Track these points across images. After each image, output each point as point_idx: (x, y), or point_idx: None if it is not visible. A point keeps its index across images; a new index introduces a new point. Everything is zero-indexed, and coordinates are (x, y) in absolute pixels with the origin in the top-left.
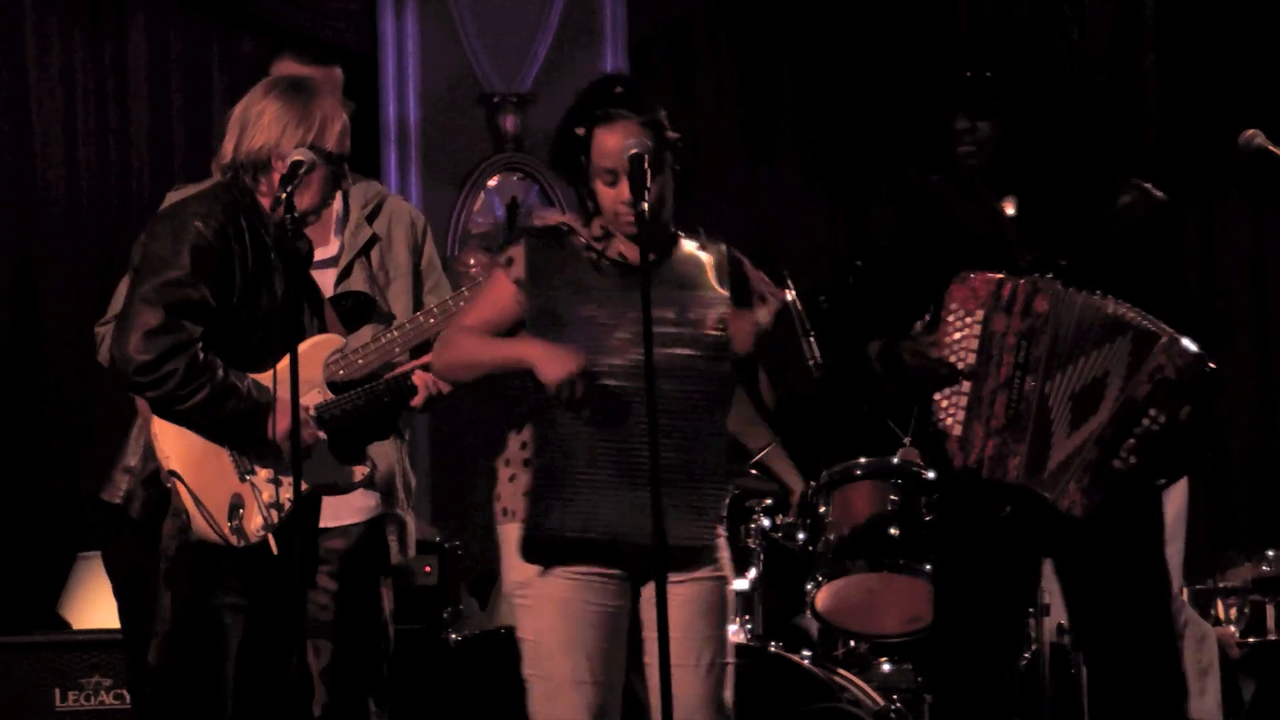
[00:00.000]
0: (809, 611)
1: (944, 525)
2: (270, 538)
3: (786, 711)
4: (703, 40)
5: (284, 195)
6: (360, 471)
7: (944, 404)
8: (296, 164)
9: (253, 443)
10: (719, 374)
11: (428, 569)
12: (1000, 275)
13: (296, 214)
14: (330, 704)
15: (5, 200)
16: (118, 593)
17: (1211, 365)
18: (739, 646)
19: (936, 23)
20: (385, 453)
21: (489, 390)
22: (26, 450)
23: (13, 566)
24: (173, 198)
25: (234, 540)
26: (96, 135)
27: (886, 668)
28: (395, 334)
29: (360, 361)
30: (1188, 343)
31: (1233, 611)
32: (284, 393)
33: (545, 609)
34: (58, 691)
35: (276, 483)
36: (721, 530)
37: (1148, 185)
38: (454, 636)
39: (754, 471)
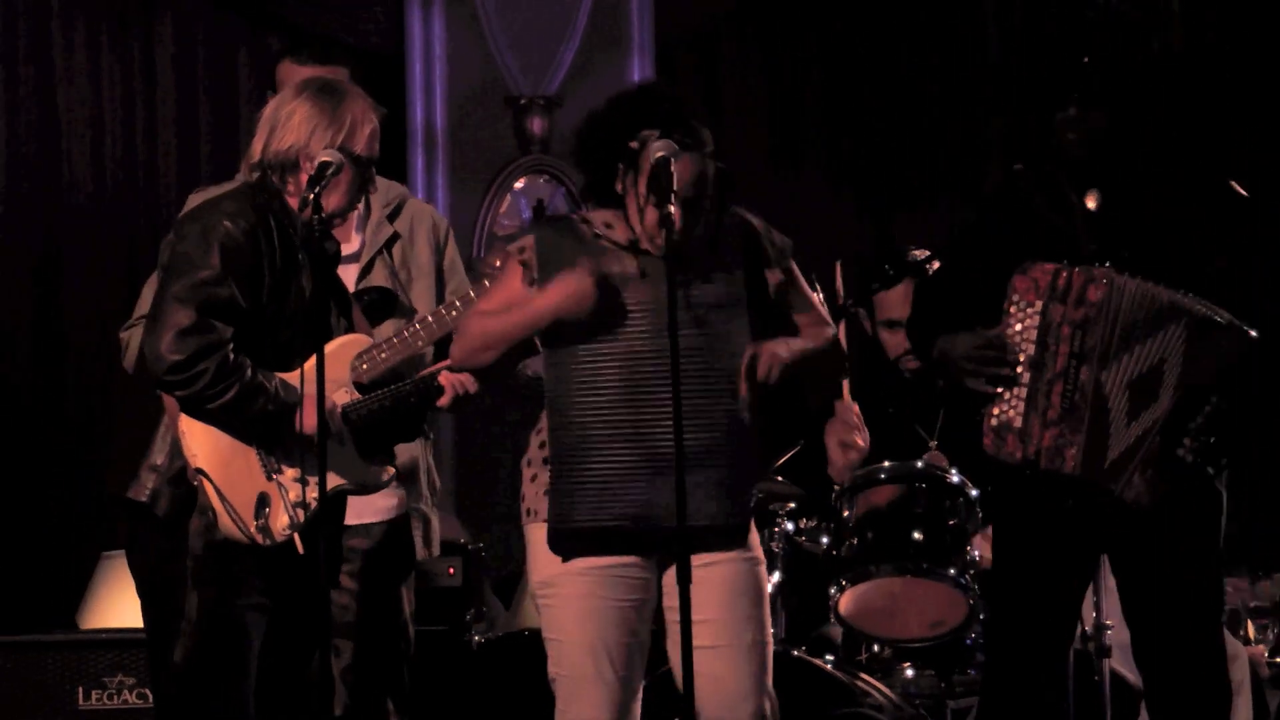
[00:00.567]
0: (832, 616)
1: (1003, 518)
2: (296, 537)
3: (809, 716)
4: (730, 45)
5: (311, 196)
6: (387, 472)
7: (1006, 396)
8: (324, 165)
9: (280, 442)
10: (739, 353)
11: (451, 570)
12: (1058, 264)
13: (324, 215)
14: (351, 705)
15: (31, 198)
16: (141, 592)
17: (1273, 351)
18: None
19: (962, 31)
20: (408, 448)
21: (513, 390)
22: (51, 449)
23: (37, 566)
24: (194, 200)
25: (260, 539)
26: (123, 135)
27: (910, 673)
28: (418, 328)
29: (383, 356)
30: (1244, 328)
31: (1265, 631)
32: (311, 392)
33: (568, 607)
34: (81, 690)
35: (303, 482)
36: (750, 510)
37: (1233, 183)
38: (477, 638)
39: (778, 477)
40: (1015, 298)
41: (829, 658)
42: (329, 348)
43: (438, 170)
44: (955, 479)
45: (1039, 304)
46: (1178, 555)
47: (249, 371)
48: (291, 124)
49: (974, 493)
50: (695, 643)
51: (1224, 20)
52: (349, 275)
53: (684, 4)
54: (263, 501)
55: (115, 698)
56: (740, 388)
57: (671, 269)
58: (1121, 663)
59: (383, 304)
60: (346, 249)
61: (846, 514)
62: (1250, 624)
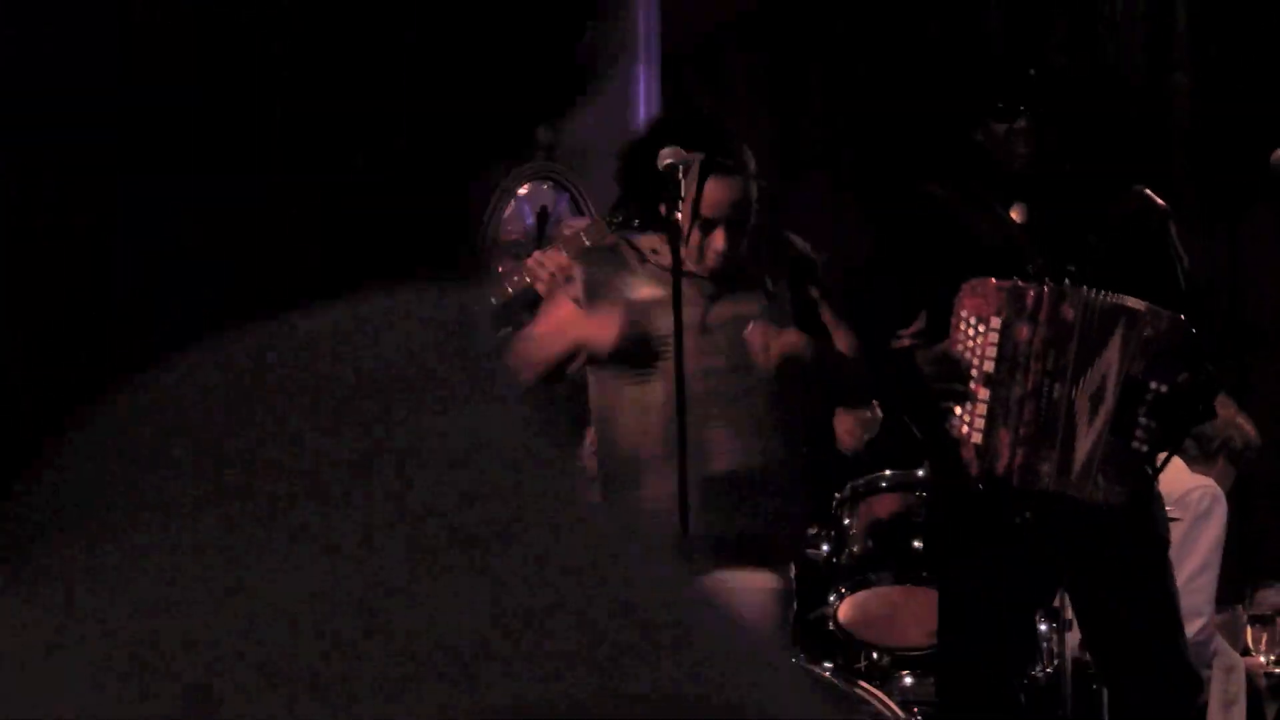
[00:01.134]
0: (831, 623)
1: (953, 533)
2: None
3: None
4: (735, 56)
5: None
6: None
7: (959, 411)
8: None
9: None
10: (781, 370)
11: None
12: (1012, 282)
13: None
14: None
15: None
16: None
17: (1193, 329)
18: None
19: (967, 41)
20: None
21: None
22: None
23: None
24: None
25: None
26: None
27: (908, 681)
28: None
29: None
30: (1165, 310)
31: (1263, 640)
32: None
33: None
34: None
35: None
36: (799, 523)
37: (1149, 192)
38: None
39: None
40: (964, 314)
41: (827, 664)
42: None
43: None
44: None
45: (995, 321)
46: (1130, 566)
47: None
48: None
49: None
50: None
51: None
52: None
53: (689, 13)
54: None
55: None
56: (761, 357)
57: (677, 277)
58: None
59: None
60: None
61: (847, 522)
62: (1250, 632)
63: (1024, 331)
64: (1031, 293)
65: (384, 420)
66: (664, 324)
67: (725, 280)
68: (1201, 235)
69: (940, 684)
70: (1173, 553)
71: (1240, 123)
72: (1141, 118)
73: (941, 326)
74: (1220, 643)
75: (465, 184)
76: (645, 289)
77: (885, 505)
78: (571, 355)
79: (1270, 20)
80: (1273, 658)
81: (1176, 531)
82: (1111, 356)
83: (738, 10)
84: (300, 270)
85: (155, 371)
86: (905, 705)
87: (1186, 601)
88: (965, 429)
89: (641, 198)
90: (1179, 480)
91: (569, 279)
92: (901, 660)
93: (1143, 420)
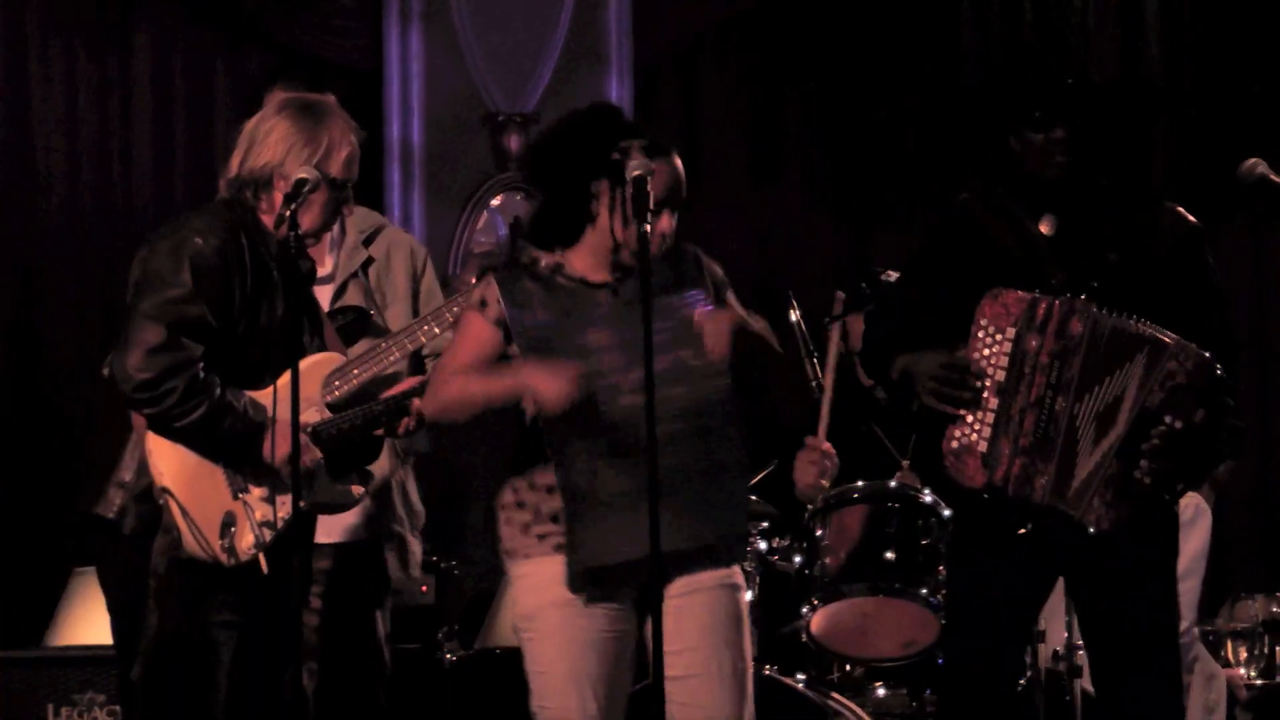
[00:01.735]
0: (804, 635)
1: (959, 542)
2: (261, 556)
3: None
4: (708, 63)
5: (288, 213)
6: (358, 490)
7: (969, 419)
8: (301, 181)
9: (248, 461)
10: (716, 370)
11: (424, 589)
12: (1033, 293)
13: (299, 233)
14: None
15: (7, 213)
16: (111, 608)
17: (1220, 369)
18: None
19: (941, 49)
20: (380, 470)
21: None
22: (23, 465)
23: (8, 581)
24: None
25: (224, 559)
26: (99, 150)
27: (881, 692)
28: (390, 344)
29: (355, 372)
30: (1195, 347)
31: (1242, 652)
32: (284, 412)
33: (549, 640)
34: (51, 707)
35: (271, 501)
36: (745, 525)
37: (1181, 210)
38: (450, 656)
39: (752, 496)
40: (984, 323)
41: (800, 676)
42: (301, 366)
43: (414, 187)
44: (928, 499)
45: (1010, 331)
46: (1133, 577)
47: (218, 390)
48: (269, 141)
49: (946, 513)
50: (676, 671)
51: (1200, 68)
52: (323, 296)
53: (662, 21)
54: (228, 520)
55: (86, 714)
56: (710, 347)
57: (645, 279)
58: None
59: (358, 324)
60: (320, 271)
61: (819, 533)
62: (1230, 645)
63: (1032, 343)
64: (1044, 305)
65: None
66: (588, 344)
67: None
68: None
69: (945, 692)
70: None
71: (1214, 130)
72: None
73: (961, 334)
74: (1201, 650)
75: None
76: (571, 304)
77: (857, 516)
78: (494, 404)
79: (1243, 27)
80: (1254, 670)
81: None
82: (1128, 382)
83: (710, 19)
84: None
85: None
86: (878, 716)
87: None
88: (973, 436)
89: (568, 197)
90: None
91: (484, 303)
92: (874, 671)
93: (1150, 453)
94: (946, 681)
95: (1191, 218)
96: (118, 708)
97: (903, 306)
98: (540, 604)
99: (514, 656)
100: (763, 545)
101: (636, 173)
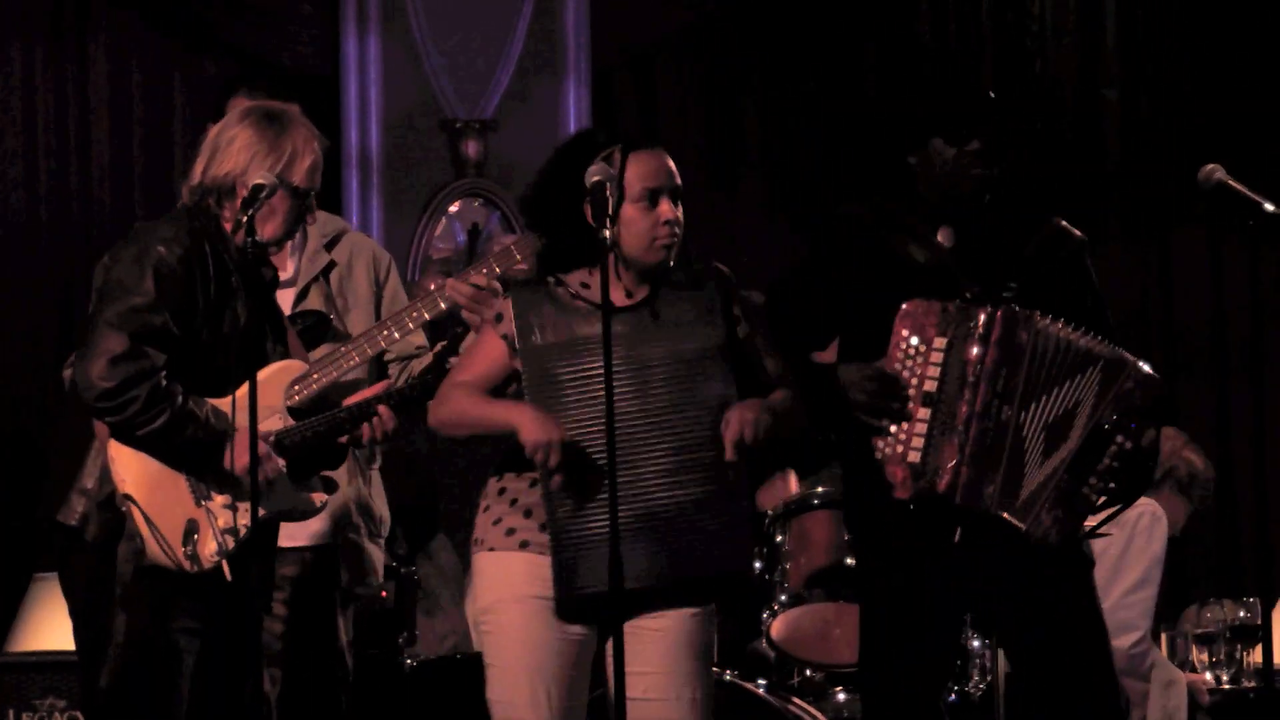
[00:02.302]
0: (764, 640)
1: (879, 552)
2: (224, 564)
3: None
4: (667, 68)
5: (244, 219)
6: (320, 497)
7: (893, 429)
8: (257, 188)
9: (211, 469)
10: (724, 407)
11: (384, 594)
12: (955, 302)
13: (261, 241)
14: None
15: None
16: (74, 614)
17: (1166, 389)
18: None
19: (900, 55)
20: (339, 479)
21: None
22: None
23: None
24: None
25: (188, 566)
26: (57, 157)
27: (842, 697)
28: (350, 349)
29: (315, 377)
30: (1149, 368)
31: (1205, 657)
32: (244, 419)
33: (508, 634)
34: (11, 713)
35: (233, 509)
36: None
37: (1065, 224)
38: (410, 661)
39: None
40: (905, 333)
41: (761, 681)
42: (263, 374)
43: (372, 193)
44: None
45: (940, 340)
46: (1059, 585)
47: (180, 399)
48: (231, 150)
49: None
50: (635, 693)
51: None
52: (284, 300)
53: (621, 27)
54: (191, 528)
55: None
56: (726, 451)
57: (605, 287)
58: None
59: (317, 328)
60: (281, 275)
61: (779, 539)
62: (1195, 650)
63: (973, 351)
64: (982, 314)
65: None
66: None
67: (668, 314)
68: (1132, 251)
69: (865, 702)
70: (1110, 567)
71: (1171, 138)
72: (1073, 134)
73: (866, 345)
74: (1158, 656)
75: None
76: (583, 328)
77: (817, 522)
78: (493, 433)
79: (1201, 35)
80: (1217, 675)
81: (1115, 547)
82: (1082, 396)
83: (670, 23)
84: None
85: None
86: None
87: (1123, 615)
88: (900, 447)
89: (569, 225)
90: None
91: (499, 317)
92: (835, 677)
93: (1101, 470)
94: (866, 696)
95: (1076, 231)
96: (78, 713)
97: (796, 317)
98: (501, 598)
99: (476, 662)
100: None
101: (595, 178)
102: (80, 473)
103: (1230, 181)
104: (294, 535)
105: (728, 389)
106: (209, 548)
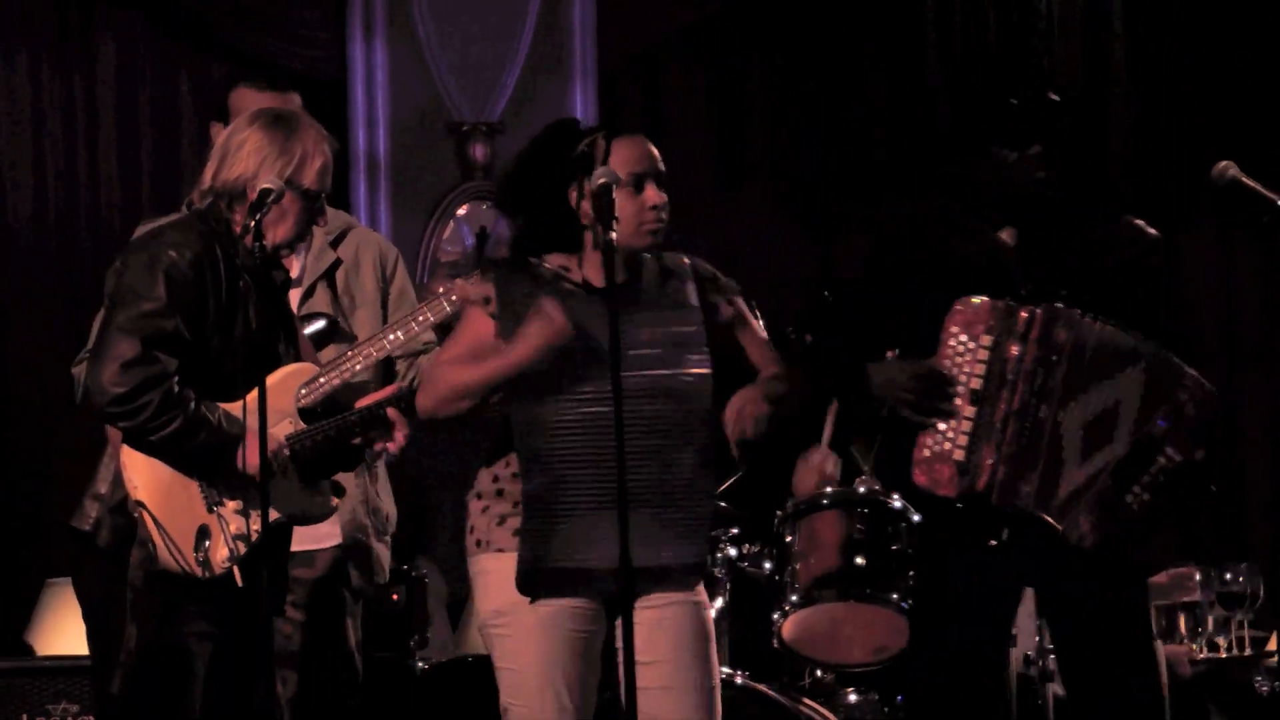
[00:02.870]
0: (775, 641)
1: (930, 551)
2: (236, 570)
3: None
4: (673, 70)
5: (252, 223)
6: (331, 500)
7: (942, 427)
8: (265, 192)
9: (223, 474)
10: (702, 392)
11: (395, 596)
12: (1004, 301)
13: (271, 245)
14: None
15: None
16: (87, 619)
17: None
18: None
19: (906, 57)
20: (348, 481)
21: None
22: None
23: None
24: (143, 230)
25: (199, 571)
26: (65, 161)
27: (853, 697)
28: (357, 353)
29: (321, 380)
30: (1203, 380)
31: (1184, 626)
32: (254, 423)
33: (522, 638)
34: (25, 718)
35: (245, 514)
36: (708, 549)
37: (1140, 221)
38: (422, 664)
39: (722, 503)
40: (955, 330)
41: (772, 682)
42: (274, 378)
43: (380, 197)
44: (897, 504)
45: (987, 338)
46: (1106, 585)
47: (192, 404)
48: (241, 154)
49: (916, 518)
50: (645, 684)
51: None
52: (290, 300)
53: (626, 29)
54: (203, 534)
55: None
56: (732, 449)
57: (611, 285)
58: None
59: (326, 330)
60: None
61: (789, 539)
62: (1181, 619)
63: (1014, 350)
64: (1024, 313)
65: None
66: (577, 343)
67: (648, 299)
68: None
69: (917, 703)
70: None
71: (1179, 135)
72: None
73: (925, 342)
74: None
75: None
76: (571, 308)
77: (827, 521)
78: (498, 385)
79: (1208, 32)
80: (1198, 645)
81: None
82: (1122, 395)
83: (675, 24)
84: None
85: None
86: None
87: None
88: (947, 445)
89: (550, 207)
90: None
91: (486, 300)
92: (845, 677)
93: (1146, 481)
94: (923, 694)
95: (1151, 229)
96: (92, 718)
97: (860, 313)
98: (514, 600)
99: (486, 664)
100: (733, 552)
101: (601, 180)
102: (93, 478)
103: (1244, 178)
104: (301, 540)
105: (707, 370)
106: (220, 553)
